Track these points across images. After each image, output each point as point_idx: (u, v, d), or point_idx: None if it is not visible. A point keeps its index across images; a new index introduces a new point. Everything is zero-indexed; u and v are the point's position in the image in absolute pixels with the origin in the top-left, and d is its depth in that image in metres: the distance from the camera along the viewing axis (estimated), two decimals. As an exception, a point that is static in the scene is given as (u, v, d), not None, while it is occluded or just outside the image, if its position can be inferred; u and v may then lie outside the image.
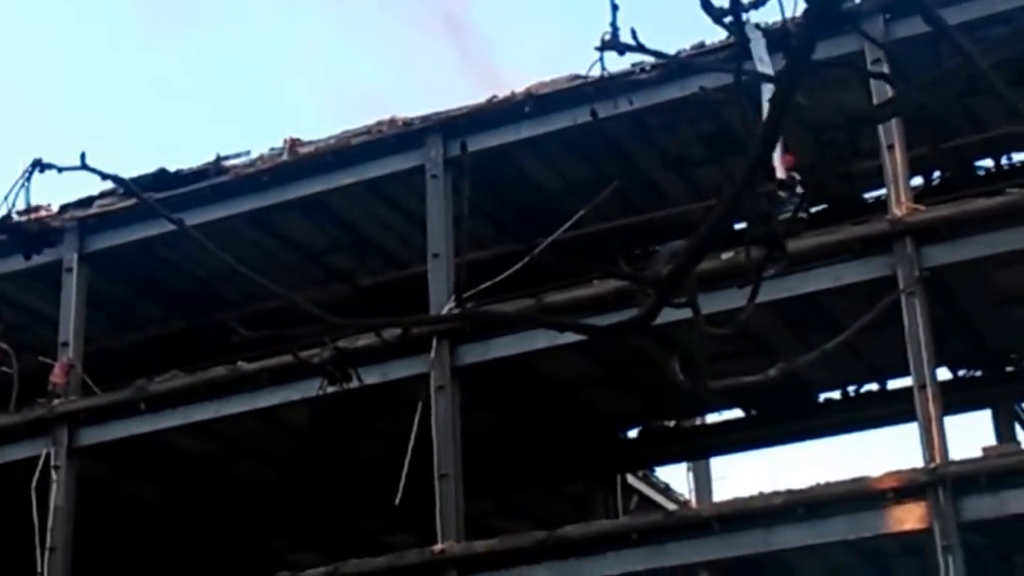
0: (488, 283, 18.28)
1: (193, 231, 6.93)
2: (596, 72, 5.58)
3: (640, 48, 5.27)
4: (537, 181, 20.64)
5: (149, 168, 21.18)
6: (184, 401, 19.93)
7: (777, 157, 17.16)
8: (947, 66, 4.96)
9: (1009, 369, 20.25)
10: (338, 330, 5.05)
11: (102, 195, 21.51)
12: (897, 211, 16.84)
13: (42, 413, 20.42)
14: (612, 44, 5.27)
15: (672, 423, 22.69)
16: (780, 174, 17.62)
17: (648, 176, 20.06)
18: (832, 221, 18.20)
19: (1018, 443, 19.10)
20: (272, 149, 20.72)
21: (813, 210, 18.95)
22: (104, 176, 5.44)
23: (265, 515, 23.52)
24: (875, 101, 17.01)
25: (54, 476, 20.02)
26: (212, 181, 20.67)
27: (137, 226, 21.09)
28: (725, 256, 17.12)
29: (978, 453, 16.94)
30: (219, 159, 20.98)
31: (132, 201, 20.92)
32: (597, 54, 5.30)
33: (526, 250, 19.14)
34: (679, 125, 19.13)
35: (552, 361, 19.41)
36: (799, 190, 18.28)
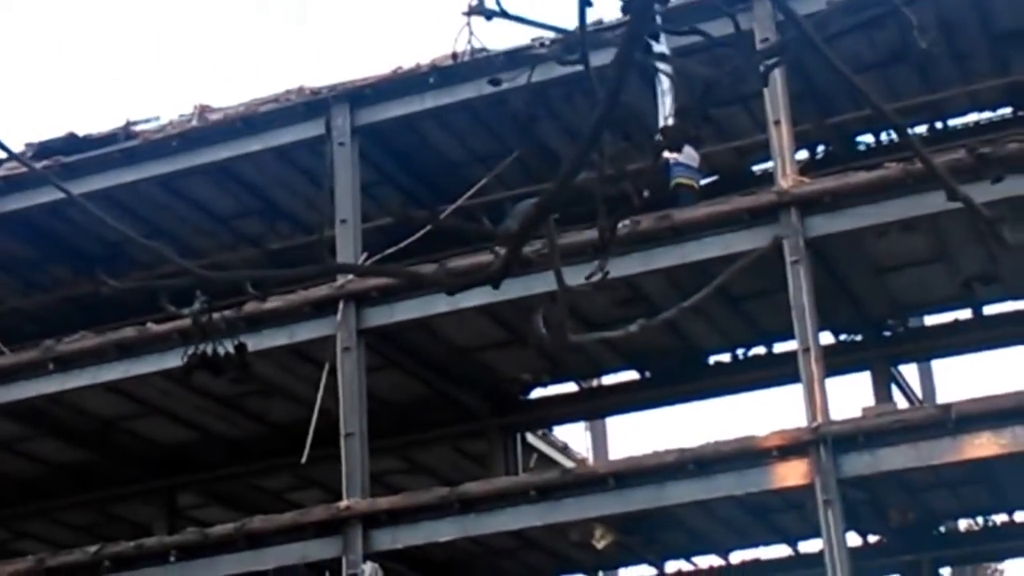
0: (393, 248, 18.89)
1: (82, 200, 7.25)
2: (466, 40, 5.69)
3: (504, 15, 5.38)
4: (442, 150, 21.15)
5: (58, 132, 21.42)
6: (93, 361, 20.16)
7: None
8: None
9: (887, 333, 20.93)
10: (208, 282, 5.32)
11: (10, 158, 21.69)
12: (783, 183, 17.47)
13: (-49, 373, 20.63)
14: (478, 9, 5.53)
15: (571, 384, 23.28)
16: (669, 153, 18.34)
17: (549, 147, 20.66)
18: (722, 192, 18.93)
19: (894, 403, 19.84)
20: (181, 115, 21.02)
21: (704, 182, 19.64)
22: None
23: (174, 473, 23.84)
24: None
25: (-38, 435, 20.28)
26: (121, 145, 20.88)
27: (46, 188, 21.18)
28: (622, 224, 17.86)
29: (857, 413, 17.57)
30: (128, 124, 21.24)
31: (41, 164, 21.17)
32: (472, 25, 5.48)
33: (429, 217, 19.69)
34: (578, 97, 19.69)
35: (455, 324, 19.95)
36: (694, 157, 19.01)
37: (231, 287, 5.61)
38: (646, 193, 5.57)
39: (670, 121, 5.78)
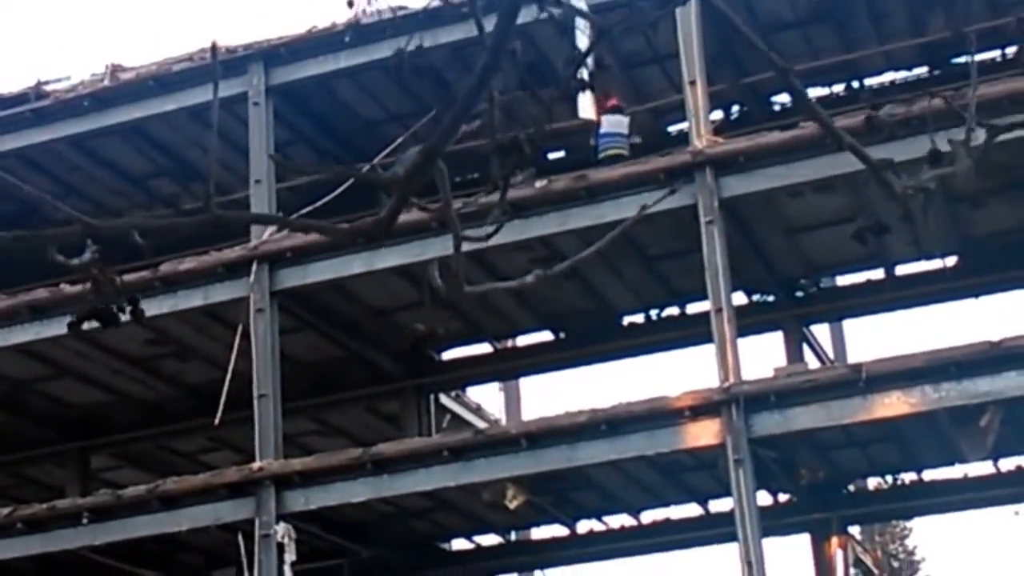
0: (308, 208, 18.78)
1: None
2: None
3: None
4: (357, 110, 21.06)
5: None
6: (5, 323, 19.94)
7: (586, 98, 17.90)
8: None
9: (799, 294, 21.12)
10: (94, 229, 5.21)
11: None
12: (698, 143, 17.56)
13: None
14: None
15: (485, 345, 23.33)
16: (587, 114, 18.42)
17: (466, 104, 20.59)
18: (638, 153, 19.00)
19: (805, 364, 20.06)
20: (93, 75, 20.78)
21: (635, 141, 19.70)
22: None
23: (87, 435, 23.66)
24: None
25: None
26: (32, 105, 20.63)
27: (-46, 147, 21.03)
28: (539, 184, 17.90)
29: (769, 373, 17.75)
30: (39, 83, 20.97)
31: (-50, 123, 20.88)
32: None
33: (347, 177, 19.63)
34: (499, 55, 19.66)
35: (370, 284, 19.91)
36: (624, 125, 19.10)
37: (123, 240, 5.55)
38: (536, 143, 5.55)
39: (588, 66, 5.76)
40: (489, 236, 5.27)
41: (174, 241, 19.49)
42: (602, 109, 18.99)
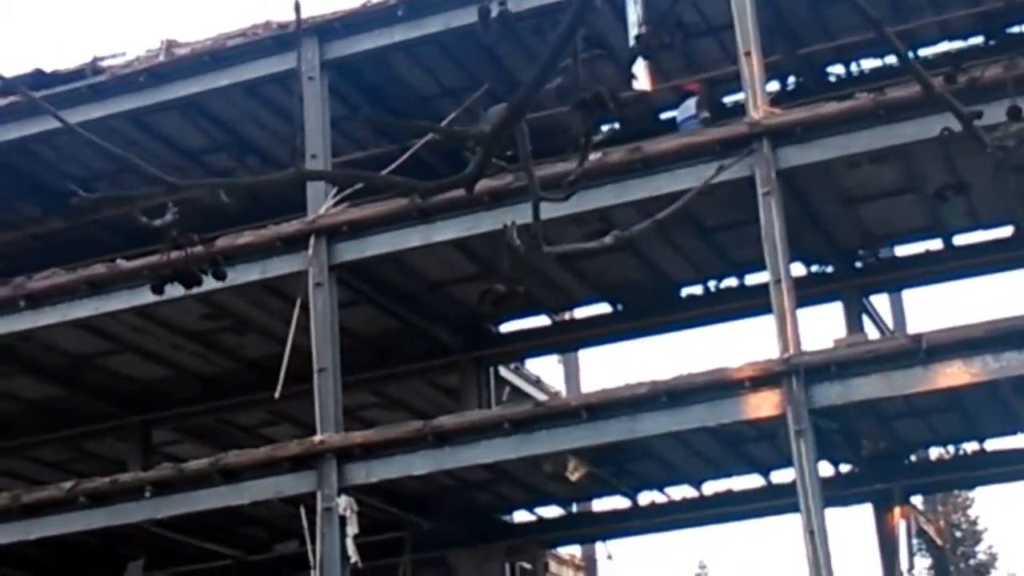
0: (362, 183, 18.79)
1: (79, 128, 7.16)
2: None
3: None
4: (411, 84, 21.06)
5: (25, 69, 21.24)
6: (64, 298, 20.10)
7: (642, 69, 17.85)
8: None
9: (858, 264, 21.02)
10: (177, 191, 5.24)
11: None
12: (754, 114, 17.44)
13: (-79, 310, 20.56)
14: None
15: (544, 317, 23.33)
16: (642, 86, 18.35)
17: (518, 79, 20.57)
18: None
19: (865, 334, 19.95)
20: (148, 50, 20.87)
21: (672, 114, 19.62)
22: None
23: (148, 409, 23.85)
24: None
25: (-66, 373, 20.25)
26: (88, 81, 20.75)
27: (11, 125, 21.14)
28: (594, 156, 17.84)
29: (829, 344, 17.69)
30: (95, 60, 21.08)
31: (6, 101, 21.03)
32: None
33: (401, 151, 19.66)
34: (547, 28, 19.61)
35: (427, 258, 19.93)
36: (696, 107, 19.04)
37: (206, 207, 5.57)
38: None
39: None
40: (568, 196, 5.26)
41: (232, 216, 19.56)
42: (680, 92, 19.07)
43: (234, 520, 21.84)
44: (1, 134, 21.25)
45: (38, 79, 20.94)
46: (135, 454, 23.50)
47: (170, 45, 20.76)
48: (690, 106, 19.02)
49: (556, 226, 17.78)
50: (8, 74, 21.24)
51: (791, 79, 21.15)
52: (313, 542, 17.89)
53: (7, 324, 20.40)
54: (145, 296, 19.71)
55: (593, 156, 17.76)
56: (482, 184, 18.62)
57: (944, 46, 20.94)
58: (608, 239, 5.66)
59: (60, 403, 23.72)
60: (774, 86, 20.45)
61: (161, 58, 20.56)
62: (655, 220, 6.32)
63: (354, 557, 17.65)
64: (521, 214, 19.14)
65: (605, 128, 21.56)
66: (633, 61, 17.81)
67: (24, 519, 19.65)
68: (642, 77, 18.33)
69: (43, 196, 23.23)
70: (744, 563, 65.31)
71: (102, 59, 21.10)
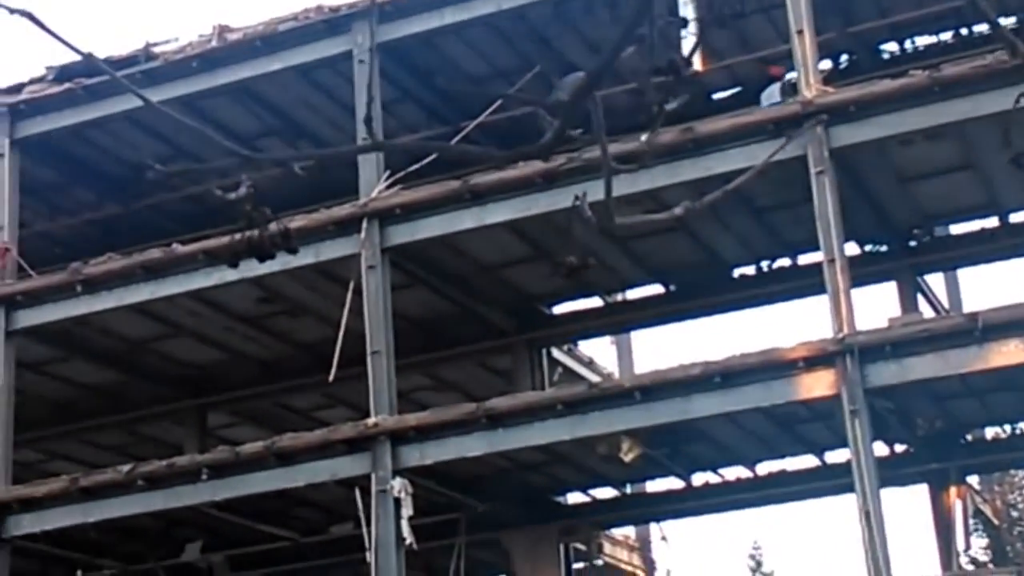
0: (416, 165, 18.85)
1: (162, 107, 7.12)
2: None
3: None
4: (462, 66, 21.07)
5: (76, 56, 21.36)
6: (120, 283, 20.28)
7: (691, 47, 17.74)
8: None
9: (912, 243, 20.87)
10: (251, 163, 5.29)
11: (32, 81, 21.72)
12: (807, 93, 17.35)
13: (-21, 296, 20.79)
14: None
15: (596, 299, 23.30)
16: (695, 65, 18.27)
17: (569, 60, 20.55)
18: (745, 103, 18.82)
19: (920, 313, 19.82)
20: (201, 36, 20.97)
21: (727, 93, 19.51)
22: (53, 34, 5.41)
23: (203, 393, 24.04)
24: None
25: (-8, 357, 20.44)
26: (142, 67, 20.86)
27: (68, 111, 21.35)
28: (645, 137, 17.78)
29: (883, 323, 17.59)
30: (148, 45, 21.20)
31: (62, 87, 21.21)
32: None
33: (453, 133, 19.68)
34: (598, 9, 19.58)
35: (480, 240, 19.95)
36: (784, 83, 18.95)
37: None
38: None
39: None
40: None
41: (284, 199, 19.64)
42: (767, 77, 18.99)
43: (290, 503, 21.99)
44: (57, 121, 21.44)
45: (92, 66, 21.03)
46: (191, 437, 23.70)
47: (222, 30, 20.84)
48: (774, 92, 18.89)
49: (606, 208, 17.76)
50: (62, 61, 21.53)
51: (844, 57, 21.00)
52: (368, 524, 17.98)
53: (64, 309, 20.60)
54: (200, 280, 19.91)
55: (644, 137, 17.70)
56: (535, 165, 18.65)
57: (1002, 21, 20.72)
58: (678, 210, 5.67)
59: (117, 387, 23.94)
60: (827, 64, 20.29)
61: (213, 43, 20.65)
62: (726, 190, 6.33)
63: (409, 539, 17.73)
64: (572, 196, 19.10)
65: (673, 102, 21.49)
66: (681, 39, 17.73)
67: (83, 502, 19.85)
68: (693, 56, 18.23)
69: (99, 182, 23.44)
70: (799, 544, 65.14)
71: (155, 45, 21.22)
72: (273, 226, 5.62)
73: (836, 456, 20.66)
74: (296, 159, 5.83)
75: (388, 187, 18.98)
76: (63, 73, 21.35)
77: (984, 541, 33.55)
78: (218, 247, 19.20)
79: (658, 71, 5.11)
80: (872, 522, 15.93)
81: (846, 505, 24.51)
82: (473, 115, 19.80)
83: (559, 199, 18.02)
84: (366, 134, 17.80)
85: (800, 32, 17.52)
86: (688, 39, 17.39)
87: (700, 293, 21.80)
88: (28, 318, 20.76)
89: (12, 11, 5.07)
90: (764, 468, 21.85)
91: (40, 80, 21.57)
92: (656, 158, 17.70)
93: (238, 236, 5.59)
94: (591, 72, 4.83)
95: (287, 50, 20.23)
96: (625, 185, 17.11)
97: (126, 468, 19.82)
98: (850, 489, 16.40)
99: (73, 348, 22.59)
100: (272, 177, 22.56)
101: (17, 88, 21.72)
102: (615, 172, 5.20)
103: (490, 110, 19.61)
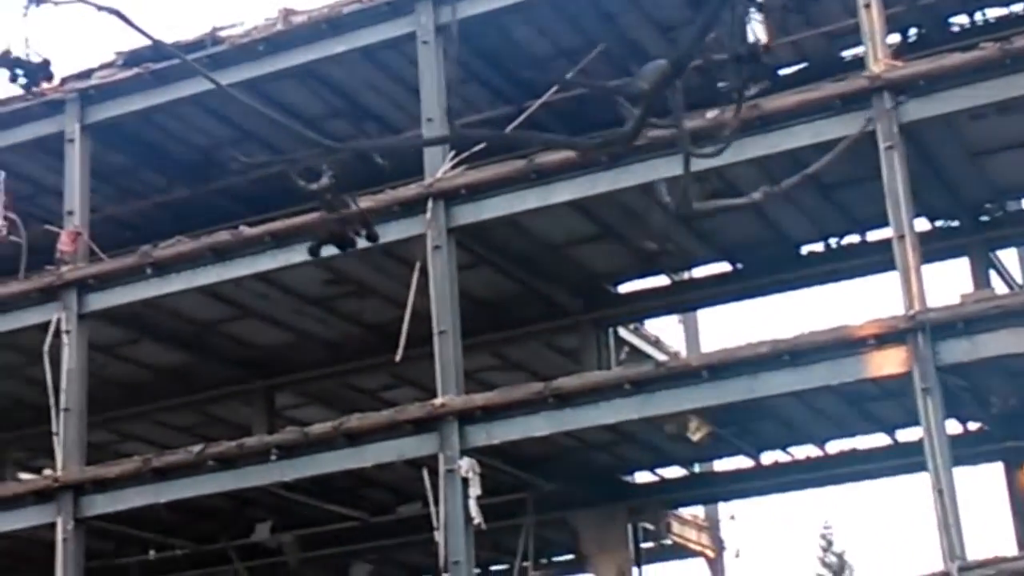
0: (480, 145, 18.80)
1: (232, 90, 7.11)
2: None
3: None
4: (527, 46, 20.99)
5: (145, 41, 21.48)
6: (189, 265, 20.42)
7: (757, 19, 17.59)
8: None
9: (984, 218, 20.62)
10: (332, 152, 5.33)
11: (101, 67, 21.89)
12: (875, 67, 17.14)
13: (51, 280, 20.96)
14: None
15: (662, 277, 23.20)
16: (756, 37, 18.10)
17: (633, 38, 20.43)
18: (812, 79, 18.62)
19: (993, 289, 19.57)
20: (267, 19, 21.04)
21: (793, 69, 19.31)
22: (130, 24, 5.44)
23: (271, 374, 24.19)
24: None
25: (65, 340, 20.59)
26: (208, 51, 20.96)
27: (137, 96, 21.50)
28: (710, 115, 17.65)
29: (955, 299, 17.40)
30: (214, 30, 21.30)
31: (131, 72, 21.36)
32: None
33: (517, 113, 19.62)
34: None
35: (545, 219, 19.91)
36: None
37: (357, 160, 5.64)
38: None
39: None
40: (720, 151, 5.23)
41: (348, 180, 19.68)
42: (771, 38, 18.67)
43: (358, 482, 22.09)
44: (126, 105, 21.60)
45: (160, 51, 21.19)
46: (260, 418, 23.87)
47: (287, 14, 20.90)
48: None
49: (676, 185, 17.65)
50: (130, 47, 21.67)
51: (912, 31, 20.73)
52: (436, 504, 18.01)
53: (134, 292, 20.78)
54: (267, 262, 20.02)
55: (710, 114, 17.56)
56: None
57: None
58: (757, 195, 5.66)
59: (186, 369, 24.15)
60: (895, 38, 20.04)
61: (279, 27, 20.72)
62: (805, 175, 6.30)
63: (477, 519, 17.74)
64: (637, 174, 19.08)
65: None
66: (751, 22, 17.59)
67: (155, 482, 20.04)
68: (758, 28, 18.06)
69: (167, 165, 23.60)
70: (870, 524, 64.71)
71: (221, 29, 21.31)
72: (353, 213, 5.67)
73: (908, 434, 20.46)
74: (375, 147, 5.86)
75: (453, 167, 18.97)
76: (132, 58, 21.50)
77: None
78: (287, 229, 19.29)
79: (739, 57, 5.08)
80: (945, 501, 15.75)
81: (919, 484, 24.22)
82: (537, 95, 19.73)
83: (623, 178, 17.94)
84: (425, 119, 17.68)
85: (868, 6, 17.33)
86: (757, 22, 17.32)
87: (767, 271, 21.67)
88: (99, 301, 20.96)
89: (100, 8, 5.13)
90: (834, 447, 21.70)
91: (109, 65, 21.74)
92: (722, 136, 17.54)
93: (319, 225, 5.65)
94: (673, 60, 4.79)
95: (351, 32, 20.24)
96: (692, 163, 17.02)
97: (196, 449, 19.98)
98: (922, 468, 16.22)
99: (143, 330, 22.80)
100: (337, 160, 22.73)
101: (87, 74, 21.91)
102: (693, 155, 5.16)
103: (554, 90, 19.53)
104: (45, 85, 21.41)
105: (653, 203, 18.33)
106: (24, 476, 25.33)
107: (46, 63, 5.48)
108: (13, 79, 5.50)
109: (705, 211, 5.45)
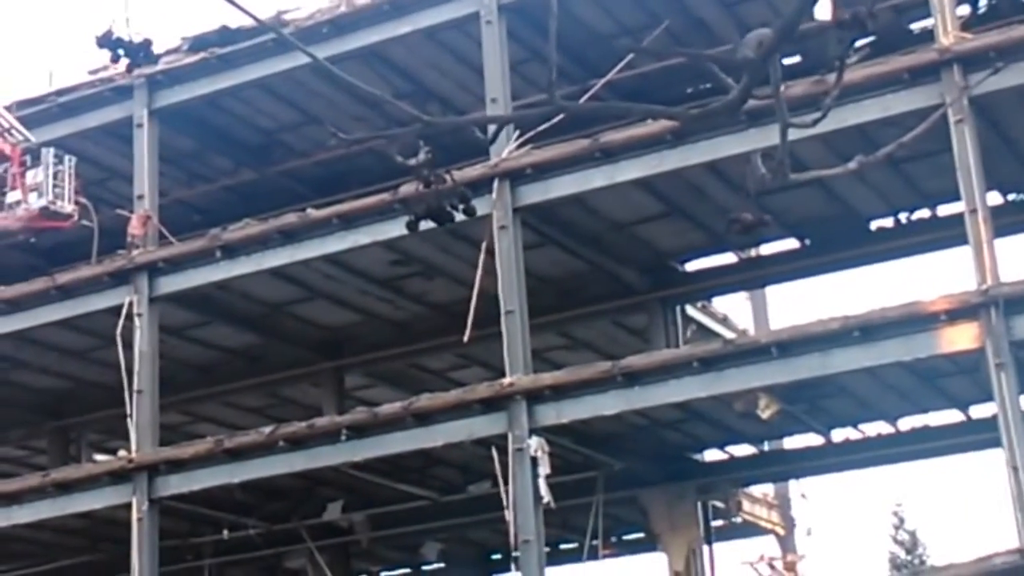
0: (545, 125, 18.76)
1: (328, 64, 7.02)
2: None
3: None
4: (590, 23, 20.92)
5: (211, 26, 21.65)
6: (257, 248, 20.57)
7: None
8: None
9: (1058, 191, 20.49)
10: (429, 126, 5.34)
11: (167, 52, 22.03)
12: (944, 40, 16.95)
13: (122, 264, 21.21)
14: None
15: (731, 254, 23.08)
16: (823, 14, 17.91)
17: (697, 15, 20.30)
18: (880, 52, 18.40)
19: (1067, 262, 19.37)
20: (331, 2, 21.09)
21: (861, 43, 19.06)
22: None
23: (340, 355, 24.30)
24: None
25: (136, 323, 20.84)
26: (273, 35, 21.04)
27: (204, 81, 21.63)
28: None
29: (1029, 274, 17.25)
30: (279, 13, 21.38)
31: (198, 57, 21.49)
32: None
33: (582, 92, 19.57)
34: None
35: (611, 198, 19.85)
36: None
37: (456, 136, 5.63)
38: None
39: None
40: (816, 121, 5.19)
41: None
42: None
43: (428, 462, 22.18)
44: (193, 90, 21.74)
45: (224, 35, 21.36)
46: (329, 399, 23.99)
47: (351, -5, 20.92)
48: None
49: (738, 162, 17.54)
50: (196, 32, 21.81)
51: (982, 2, 20.45)
52: (506, 483, 18.04)
53: (205, 274, 20.94)
54: (335, 244, 20.10)
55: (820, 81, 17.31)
56: (663, 125, 18.32)
57: None
58: (852, 164, 5.63)
59: (256, 350, 24.32)
60: (964, 10, 19.79)
61: (343, 9, 20.78)
62: (900, 143, 6.23)
63: (547, 497, 17.76)
64: (703, 152, 18.95)
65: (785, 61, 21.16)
66: None
67: (228, 463, 20.22)
68: (824, 5, 17.86)
69: (234, 148, 23.75)
70: (943, 501, 64.20)
71: (285, 12, 21.39)
72: (449, 188, 5.70)
73: (981, 410, 20.27)
74: (471, 122, 5.84)
75: (518, 147, 18.95)
76: (197, 43, 21.62)
77: None
78: (354, 210, 19.36)
79: (841, 24, 5.03)
80: (1020, 477, 15.60)
81: (993, 460, 24.00)
82: (600, 74, 19.66)
83: (690, 155, 17.85)
84: (489, 99, 17.55)
85: (936, -23, 17.09)
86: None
87: (836, 247, 21.48)
88: (170, 284, 21.16)
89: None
90: (906, 423, 21.54)
91: (175, 51, 21.88)
92: (790, 111, 17.36)
93: (416, 199, 5.68)
94: (778, 28, 4.76)
95: (414, 13, 20.26)
96: (753, 139, 16.91)
97: (268, 429, 20.14)
98: (996, 444, 16.09)
99: (213, 312, 22.98)
100: (427, 136, 22.71)
101: (154, 59, 22.00)
102: (790, 125, 5.13)
103: (619, 67, 19.45)
104: (112, 71, 21.68)
105: (738, 176, 18.21)
106: (100, 457, 25.64)
107: (147, 43, 5.51)
108: (115, 59, 5.54)
109: (799, 182, 5.39)
